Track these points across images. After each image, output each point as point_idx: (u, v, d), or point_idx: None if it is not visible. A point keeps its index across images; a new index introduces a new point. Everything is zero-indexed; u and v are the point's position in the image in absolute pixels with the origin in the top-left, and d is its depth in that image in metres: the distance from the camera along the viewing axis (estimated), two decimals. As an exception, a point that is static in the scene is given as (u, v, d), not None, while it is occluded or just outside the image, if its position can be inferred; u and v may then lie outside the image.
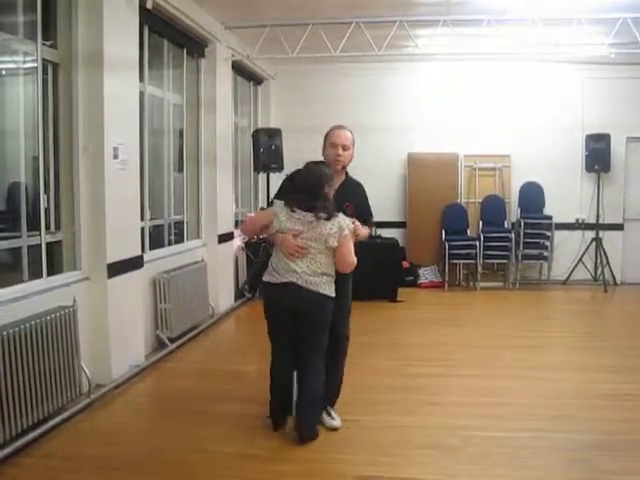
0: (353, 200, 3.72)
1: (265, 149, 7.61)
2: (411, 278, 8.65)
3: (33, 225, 4.07)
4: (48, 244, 4.21)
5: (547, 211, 8.73)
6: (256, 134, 7.76)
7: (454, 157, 8.95)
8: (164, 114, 6.23)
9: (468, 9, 6.17)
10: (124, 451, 3.50)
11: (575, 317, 7.33)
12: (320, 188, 3.46)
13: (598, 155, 8.45)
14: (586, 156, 8.61)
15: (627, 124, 8.56)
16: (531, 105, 8.79)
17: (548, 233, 8.65)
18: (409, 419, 3.95)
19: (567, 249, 8.80)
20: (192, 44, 6.53)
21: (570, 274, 8.78)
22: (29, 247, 4.04)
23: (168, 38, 6.12)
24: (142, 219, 5.39)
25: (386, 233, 8.58)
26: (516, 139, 8.76)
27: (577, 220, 8.90)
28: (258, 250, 7.17)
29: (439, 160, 8.93)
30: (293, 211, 3.49)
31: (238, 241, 7.71)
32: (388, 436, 3.68)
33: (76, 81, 4.37)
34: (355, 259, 3.54)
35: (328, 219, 3.45)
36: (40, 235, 4.10)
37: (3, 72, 4.41)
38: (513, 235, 8.54)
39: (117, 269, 4.57)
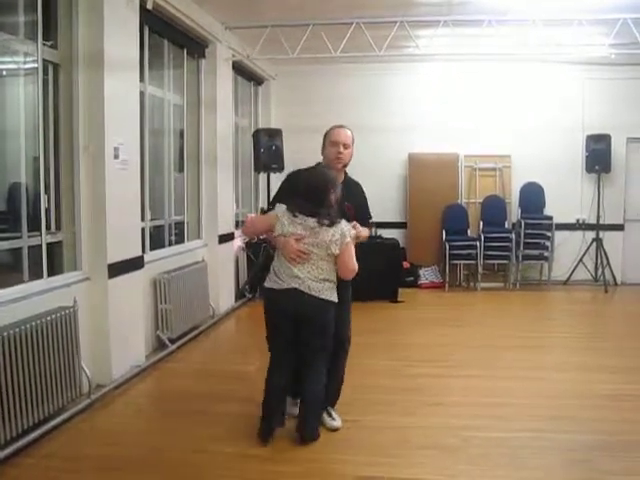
0: (352, 200, 3.71)
1: (265, 149, 7.61)
2: (411, 278, 8.64)
3: (33, 225, 4.07)
4: (49, 244, 4.21)
5: (547, 211, 8.73)
6: (256, 134, 7.77)
7: (454, 157, 8.95)
8: (164, 114, 6.24)
9: (469, 9, 6.18)
10: (124, 451, 3.50)
11: (576, 317, 7.33)
12: (325, 194, 3.43)
13: (598, 156, 8.45)
14: (586, 156, 8.61)
15: (627, 125, 8.56)
16: (531, 105, 8.79)
17: (548, 233, 8.65)
18: (409, 419, 3.95)
19: (567, 249, 8.80)
20: (192, 44, 6.54)
21: (571, 274, 8.78)
22: (29, 247, 4.03)
23: (168, 38, 6.13)
24: (143, 219, 5.39)
25: (386, 233, 8.59)
26: (516, 139, 8.76)
27: (577, 220, 8.90)
28: (258, 251, 7.17)
29: (439, 160, 8.93)
30: (295, 216, 3.46)
31: (239, 241, 7.71)
32: (388, 436, 3.68)
33: (76, 81, 4.37)
34: (357, 266, 3.51)
35: (330, 226, 3.43)
36: (41, 235, 4.10)
37: (4, 72, 4.42)
38: (513, 235, 8.54)
39: (118, 269, 4.57)
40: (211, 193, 6.89)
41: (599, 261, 8.66)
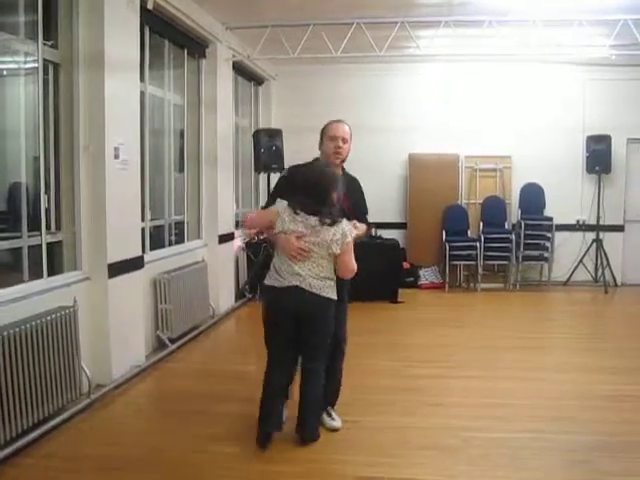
0: (350, 195, 3.69)
1: (266, 149, 7.61)
2: (411, 279, 8.64)
3: (34, 225, 4.07)
4: (49, 244, 4.21)
5: (548, 212, 8.73)
6: (257, 134, 7.76)
7: (455, 158, 8.94)
8: (165, 114, 6.24)
9: (469, 10, 6.18)
10: (124, 451, 3.50)
11: (576, 318, 7.33)
12: (328, 193, 3.42)
13: (599, 156, 8.45)
14: (587, 157, 8.61)
15: (628, 125, 8.56)
16: (532, 106, 8.80)
17: (549, 234, 8.65)
18: (409, 420, 3.95)
19: (568, 250, 8.80)
20: (193, 44, 6.54)
21: (571, 275, 8.78)
22: (30, 247, 4.03)
23: (169, 38, 6.13)
24: (143, 219, 5.38)
25: (387, 234, 8.58)
26: (517, 140, 8.76)
27: (578, 221, 8.90)
28: (258, 251, 7.17)
29: (440, 161, 8.93)
30: (296, 213, 3.43)
31: (239, 241, 7.72)
32: (388, 437, 3.68)
33: (77, 81, 4.37)
34: (356, 266, 3.51)
35: (332, 225, 3.42)
36: (41, 235, 4.10)
37: (4, 72, 4.42)
38: (514, 236, 8.54)
39: (118, 269, 4.57)
40: (211, 193, 6.89)
41: (599, 262, 8.66)
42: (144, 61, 5.43)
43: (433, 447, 3.54)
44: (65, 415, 3.83)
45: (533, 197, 8.77)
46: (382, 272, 7.52)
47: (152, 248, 5.73)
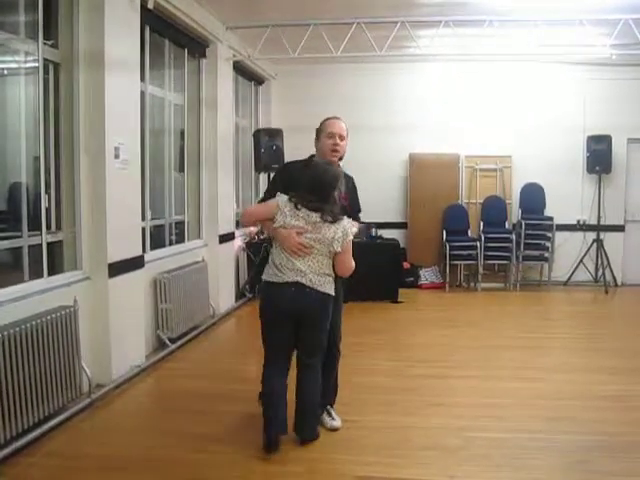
0: (348, 193, 3.68)
1: (266, 149, 7.61)
2: (412, 279, 8.64)
3: (34, 225, 4.07)
4: (49, 244, 4.21)
5: (548, 212, 8.73)
6: (257, 134, 7.77)
7: (455, 158, 8.94)
8: (165, 114, 6.23)
9: (470, 10, 6.17)
10: (124, 450, 3.50)
11: (576, 318, 7.32)
12: (331, 190, 3.41)
13: (599, 156, 8.45)
14: (587, 157, 8.61)
15: (628, 125, 8.56)
16: (532, 106, 8.80)
17: (549, 234, 8.65)
18: (410, 420, 3.94)
19: (568, 250, 8.80)
20: (193, 44, 6.53)
21: (571, 275, 8.78)
22: (30, 247, 4.03)
23: (169, 38, 6.13)
24: (143, 219, 5.38)
25: (387, 234, 8.58)
26: (517, 140, 8.77)
27: (578, 221, 8.89)
28: (259, 251, 7.18)
29: (440, 161, 8.93)
30: (298, 208, 3.40)
31: (239, 241, 7.72)
32: (389, 437, 3.68)
33: (77, 81, 4.37)
34: (354, 264, 3.50)
35: (333, 222, 3.41)
36: (41, 235, 4.10)
37: (4, 72, 4.42)
38: (514, 236, 8.54)
39: (118, 269, 4.57)
40: (212, 193, 6.89)
41: (599, 262, 8.66)
42: (144, 61, 5.43)
43: (434, 447, 3.54)
44: (65, 414, 3.83)
45: (533, 197, 8.77)
46: (382, 272, 7.52)
47: (152, 248, 5.73)
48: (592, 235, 8.70)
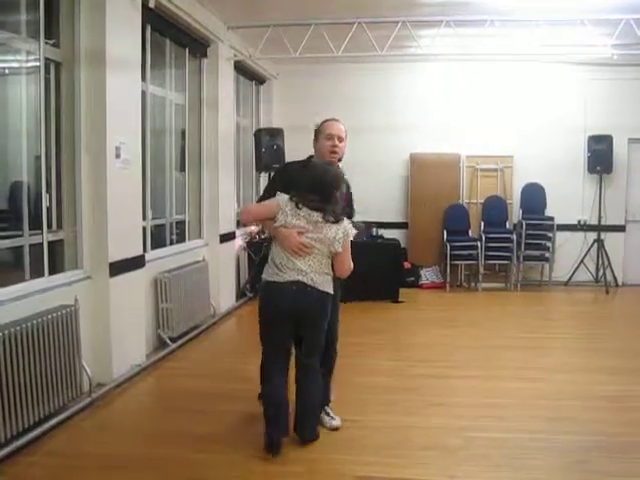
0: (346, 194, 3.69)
1: (267, 149, 7.61)
2: (412, 279, 8.63)
3: (35, 224, 4.08)
4: (50, 243, 4.21)
5: (549, 212, 8.72)
6: (258, 134, 7.76)
7: (456, 158, 8.94)
8: (166, 114, 6.24)
9: (471, 10, 6.17)
10: (125, 450, 3.50)
11: (576, 318, 7.32)
12: (335, 190, 3.41)
13: (600, 156, 8.44)
14: (588, 157, 8.60)
15: (629, 125, 8.55)
16: (533, 106, 8.79)
17: (550, 234, 8.65)
18: (410, 420, 3.95)
19: (569, 250, 8.79)
20: (195, 44, 6.54)
21: (572, 275, 8.77)
22: (31, 246, 4.04)
23: (170, 38, 6.13)
24: (144, 218, 5.38)
25: (388, 234, 8.59)
26: (518, 140, 8.76)
27: (579, 221, 8.89)
28: (260, 250, 7.18)
29: (441, 161, 8.93)
30: (299, 208, 3.40)
31: (240, 241, 7.72)
32: (389, 436, 3.68)
33: (78, 80, 4.37)
34: (352, 264, 3.51)
35: (334, 223, 3.41)
36: (42, 234, 4.10)
37: (6, 71, 4.42)
38: (515, 236, 8.53)
39: (119, 268, 4.58)
40: (212, 192, 6.89)
41: (600, 262, 8.65)
42: (145, 60, 5.43)
43: (434, 447, 3.54)
44: (66, 413, 3.84)
45: (534, 197, 8.77)
46: (383, 272, 7.52)
47: (153, 247, 5.73)
48: (593, 235, 8.70)
